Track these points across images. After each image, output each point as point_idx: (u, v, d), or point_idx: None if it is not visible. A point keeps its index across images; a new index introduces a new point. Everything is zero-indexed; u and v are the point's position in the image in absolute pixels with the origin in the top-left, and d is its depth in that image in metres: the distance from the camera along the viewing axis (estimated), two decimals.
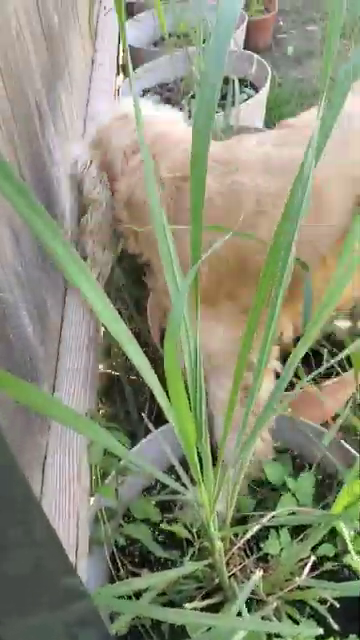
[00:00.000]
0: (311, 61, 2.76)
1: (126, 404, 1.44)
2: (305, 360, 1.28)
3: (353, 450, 1.05)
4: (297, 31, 2.99)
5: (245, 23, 2.40)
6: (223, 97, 1.83)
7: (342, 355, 0.82)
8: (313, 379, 1.19)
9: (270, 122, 2.29)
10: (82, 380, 1.08)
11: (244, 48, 2.62)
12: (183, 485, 0.81)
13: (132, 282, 1.73)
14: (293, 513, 0.93)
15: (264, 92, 1.94)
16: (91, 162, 1.24)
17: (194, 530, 0.97)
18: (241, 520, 1.04)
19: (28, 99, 1.06)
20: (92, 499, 1.02)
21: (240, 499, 1.06)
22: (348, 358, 1.28)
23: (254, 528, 0.84)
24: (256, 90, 2.04)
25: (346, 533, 0.76)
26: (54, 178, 1.22)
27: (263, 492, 1.10)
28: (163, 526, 0.97)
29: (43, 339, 1.01)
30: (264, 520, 0.84)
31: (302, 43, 2.89)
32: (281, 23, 3.04)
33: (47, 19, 1.27)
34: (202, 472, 0.75)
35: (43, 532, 0.49)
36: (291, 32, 2.99)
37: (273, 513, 0.85)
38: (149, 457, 1.08)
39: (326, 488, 1.09)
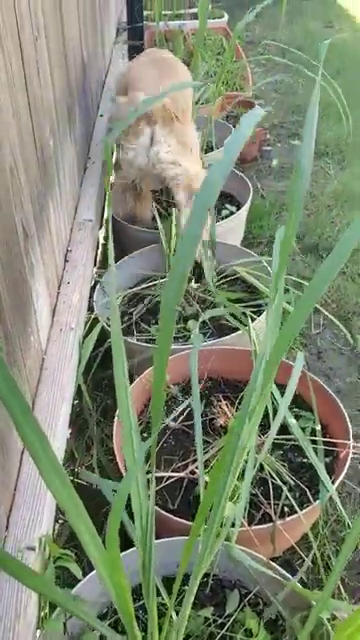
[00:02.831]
0: (293, 175, 2.91)
1: None
2: (263, 485, 1.30)
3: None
4: (282, 144, 3.18)
5: None
6: None
7: None
8: (274, 512, 1.20)
9: (249, 233, 2.40)
10: (40, 504, 1.08)
11: None
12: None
13: (100, 390, 1.76)
14: None
15: (244, 210, 2.05)
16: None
17: None
18: None
19: (15, 224, 1.12)
20: (38, 632, 1.00)
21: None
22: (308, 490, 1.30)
23: None
24: (238, 205, 2.14)
25: None
26: (33, 292, 1.26)
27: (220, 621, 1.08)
28: None
29: (2, 464, 1.01)
30: None
31: (286, 156, 3.06)
32: (268, 136, 3.23)
33: (42, 144, 1.35)
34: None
35: None
36: (277, 145, 3.17)
37: None
38: (97, 591, 1.07)
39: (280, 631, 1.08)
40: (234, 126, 2.75)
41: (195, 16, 4.07)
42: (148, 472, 1.27)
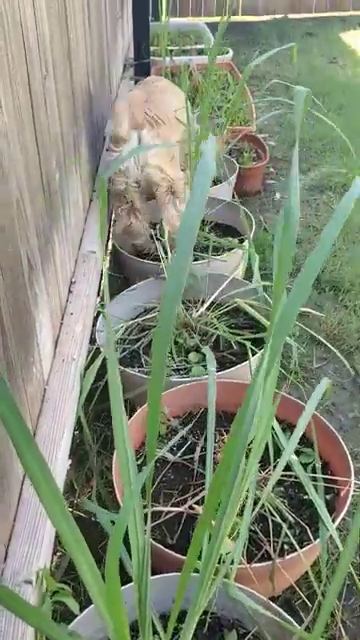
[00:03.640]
0: None
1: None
2: (263, 522, 1.29)
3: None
4: (285, 178, 3.22)
5: (236, 173, 2.59)
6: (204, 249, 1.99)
7: None
8: (273, 549, 1.18)
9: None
10: (39, 535, 1.07)
11: (235, 190, 2.81)
12: None
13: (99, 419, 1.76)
14: None
15: (246, 245, 2.07)
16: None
17: None
18: None
19: (20, 256, 1.13)
20: None
21: None
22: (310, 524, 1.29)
23: None
24: (241, 238, 2.17)
25: None
26: (36, 323, 1.26)
27: None
28: None
29: (2, 495, 1.01)
30: None
31: None
32: (272, 169, 3.27)
33: (49, 178, 1.37)
34: None
35: None
36: (280, 179, 3.22)
37: None
38: (93, 626, 1.05)
39: None
40: (237, 160, 2.80)
41: (201, 51, 4.17)
42: (146, 506, 1.26)
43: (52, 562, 1.36)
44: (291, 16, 6.12)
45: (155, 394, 0.71)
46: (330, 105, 3.97)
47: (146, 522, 0.75)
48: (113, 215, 2.29)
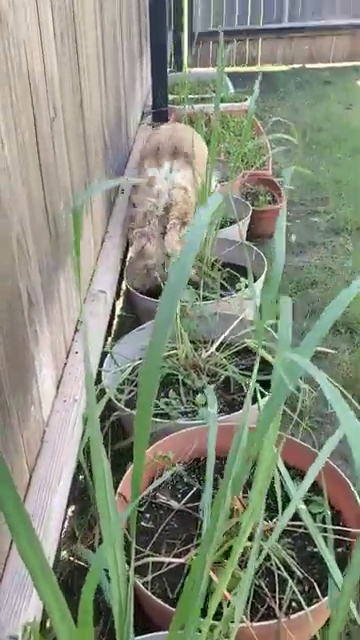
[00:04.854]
0: (311, 250, 2.92)
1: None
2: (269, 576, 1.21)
3: None
4: (301, 221, 3.21)
5: (249, 215, 2.59)
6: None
7: None
8: (279, 607, 1.11)
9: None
10: (29, 588, 1.01)
11: (251, 232, 2.80)
12: None
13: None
14: None
15: (259, 283, 2.04)
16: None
17: None
18: None
19: (19, 292, 1.11)
20: None
21: None
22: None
23: None
24: (254, 279, 2.14)
25: None
26: (35, 362, 1.24)
27: None
28: None
29: None
30: None
31: (305, 232, 3.09)
32: (288, 213, 3.27)
33: (55, 218, 1.37)
34: None
35: None
36: (296, 221, 3.21)
37: None
38: None
39: None
40: (252, 203, 2.80)
41: (220, 100, 4.25)
42: (148, 555, 1.20)
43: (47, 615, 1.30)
44: (309, 66, 6.25)
45: (142, 431, 0.67)
46: (344, 149, 4.00)
47: (129, 563, 0.69)
48: (128, 253, 2.30)
